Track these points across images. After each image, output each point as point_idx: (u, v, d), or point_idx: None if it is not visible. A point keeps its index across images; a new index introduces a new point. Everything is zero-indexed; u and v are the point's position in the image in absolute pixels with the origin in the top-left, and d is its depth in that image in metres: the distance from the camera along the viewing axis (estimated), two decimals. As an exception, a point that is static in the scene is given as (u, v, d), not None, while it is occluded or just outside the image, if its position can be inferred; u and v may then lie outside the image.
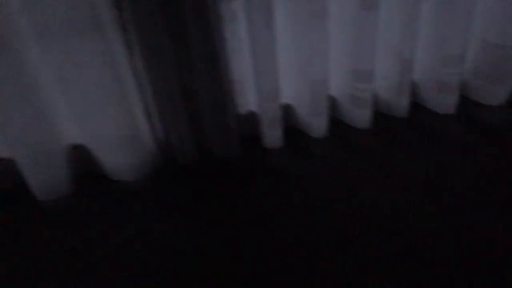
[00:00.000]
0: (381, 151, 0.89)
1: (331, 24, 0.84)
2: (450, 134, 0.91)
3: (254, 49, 0.79)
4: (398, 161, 0.87)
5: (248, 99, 0.90)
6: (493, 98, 0.95)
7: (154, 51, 0.75)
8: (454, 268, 0.66)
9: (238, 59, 0.84)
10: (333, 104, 0.95)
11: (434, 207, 0.76)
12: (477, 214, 0.74)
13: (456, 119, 0.94)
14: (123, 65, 0.76)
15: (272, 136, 0.90)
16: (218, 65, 0.79)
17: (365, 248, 0.70)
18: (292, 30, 0.82)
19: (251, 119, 0.92)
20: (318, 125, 0.92)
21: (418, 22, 0.84)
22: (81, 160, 0.87)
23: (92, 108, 0.78)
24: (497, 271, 0.64)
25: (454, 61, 0.88)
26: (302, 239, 0.74)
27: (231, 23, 0.80)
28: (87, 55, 0.72)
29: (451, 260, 0.67)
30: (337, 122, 0.96)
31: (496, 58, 0.90)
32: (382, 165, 0.86)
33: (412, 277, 0.65)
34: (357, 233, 0.73)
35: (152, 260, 0.72)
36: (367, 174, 0.85)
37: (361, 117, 0.93)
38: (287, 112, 0.94)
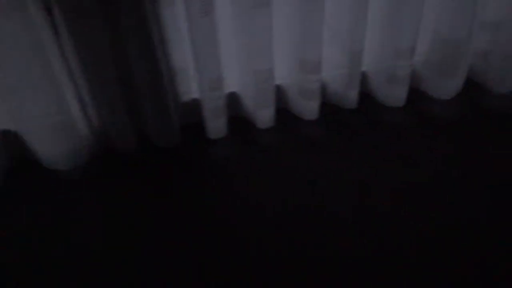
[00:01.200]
0: (327, 143, 0.88)
1: (276, 13, 0.80)
2: (397, 127, 0.90)
3: (193, 37, 0.75)
4: (344, 152, 0.85)
5: (191, 87, 0.86)
6: (444, 92, 0.93)
7: (84, 34, 0.71)
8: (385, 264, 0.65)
9: (179, 46, 0.80)
10: (280, 95, 0.92)
11: (373, 200, 0.75)
12: (416, 209, 0.73)
13: (405, 111, 0.93)
14: (51, 48, 0.71)
15: (215, 125, 0.87)
16: (154, 51, 0.75)
17: (302, 237, 0.69)
18: (235, 19, 0.78)
19: (195, 108, 0.88)
20: (264, 116, 0.89)
21: (368, 13, 0.81)
22: (14, 146, 0.83)
23: (19, 93, 0.74)
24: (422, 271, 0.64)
25: (405, 53, 0.86)
26: (242, 228, 0.72)
27: (169, 9, 0.76)
28: (8, 36, 0.67)
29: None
30: (285, 112, 0.94)
31: (447, 52, 0.88)
32: (328, 156, 0.85)
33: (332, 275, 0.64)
34: (298, 222, 0.72)
35: (84, 254, 0.70)
36: (312, 165, 0.83)
37: (309, 108, 0.90)
38: (233, 101, 0.91)
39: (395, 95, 0.92)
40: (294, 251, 0.69)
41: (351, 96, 0.91)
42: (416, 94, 0.96)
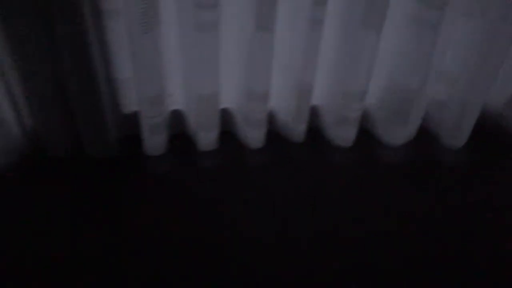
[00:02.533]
0: (264, 173, 0.86)
1: (225, 38, 0.78)
2: (339, 166, 0.88)
3: (134, 52, 0.73)
4: (279, 184, 0.83)
5: (133, 99, 0.84)
6: (394, 138, 0.91)
7: (18, 33, 0.69)
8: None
9: (123, 58, 0.79)
10: (227, 118, 0.90)
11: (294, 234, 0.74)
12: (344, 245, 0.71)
13: (351, 152, 0.91)
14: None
15: (154, 142, 0.84)
16: (90, 61, 0.73)
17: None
18: (182, 38, 0.76)
19: (136, 121, 0.86)
20: (206, 138, 0.87)
21: (320, 50, 0.79)
22: None
23: None
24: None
25: (356, 96, 0.83)
26: (163, 247, 0.71)
27: (113, 21, 0.74)
28: None
29: None
30: (231, 136, 0.92)
31: (399, 99, 0.86)
32: (261, 185, 0.83)
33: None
34: (222, 242, 0.72)
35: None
36: (245, 193, 0.81)
37: (254, 136, 0.88)
38: (176, 119, 0.89)
39: (343, 135, 0.90)
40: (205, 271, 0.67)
41: (299, 130, 0.89)
42: (366, 136, 0.94)
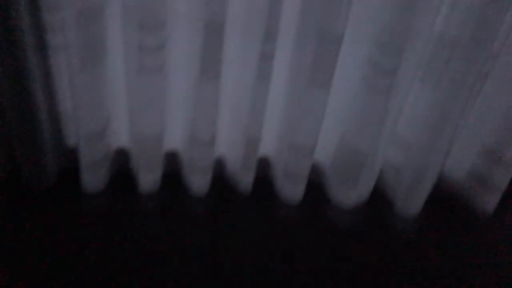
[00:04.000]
0: (202, 221, 0.82)
1: (172, 80, 0.76)
2: (282, 222, 0.84)
3: (74, 86, 0.71)
4: (216, 235, 0.80)
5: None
6: (343, 200, 0.88)
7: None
8: None
9: (67, 92, 0.77)
10: (172, 161, 0.88)
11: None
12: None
13: (298, 209, 0.87)
14: None
15: (92, 179, 0.82)
16: (29, 93, 0.71)
17: None
18: (127, 77, 0.74)
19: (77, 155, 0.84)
20: (148, 179, 0.84)
21: (268, 100, 0.77)
22: None
23: None
24: None
25: (304, 151, 0.81)
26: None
27: (55, 57, 0.73)
28: None
29: None
30: (175, 180, 0.89)
31: (350, 161, 0.83)
32: (195, 233, 0.80)
33: None
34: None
35: None
36: (179, 239, 0.78)
37: (197, 182, 0.85)
38: (121, 156, 0.86)
39: (290, 190, 0.86)
40: None
41: (246, 181, 0.86)
42: (318, 194, 0.90)
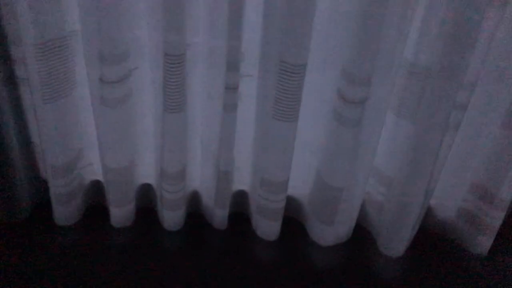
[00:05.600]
0: (173, 256, 0.80)
1: (137, 112, 0.75)
2: (254, 260, 0.80)
3: (38, 120, 0.72)
4: (184, 271, 0.77)
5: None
6: (321, 238, 0.83)
7: None
8: None
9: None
10: (145, 195, 0.86)
11: None
12: None
13: (275, 246, 0.83)
14: None
15: (62, 211, 0.81)
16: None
17: None
18: (93, 110, 0.74)
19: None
20: (119, 213, 0.82)
21: (236, 133, 0.74)
22: None
23: None
24: None
25: (275, 187, 0.77)
26: None
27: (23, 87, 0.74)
28: None
29: None
30: (151, 215, 0.87)
31: (326, 197, 0.78)
32: (166, 269, 0.77)
33: None
34: None
35: None
36: (142, 274, 0.76)
37: (172, 218, 0.83)
38: (96, 189, 0.85)
39: (266, 227, 0.83)
40: None
41: (220, 215, 0.83)
42: (294, 230, 0.86)
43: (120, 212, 0.82)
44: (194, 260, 0.80)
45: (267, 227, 0.83)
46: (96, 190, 0.86)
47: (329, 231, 0.82)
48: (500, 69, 0.70)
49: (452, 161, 0.80)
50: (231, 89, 0.69)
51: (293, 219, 0.87)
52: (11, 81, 0.73)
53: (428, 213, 0.85)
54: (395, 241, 0.81)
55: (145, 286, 0.75)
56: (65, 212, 0.81)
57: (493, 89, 0.72)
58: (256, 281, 0.77)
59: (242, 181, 0.85)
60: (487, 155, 0.77)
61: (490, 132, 0.75)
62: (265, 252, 0.82)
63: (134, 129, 0.76)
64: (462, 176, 0.81)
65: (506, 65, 0.70)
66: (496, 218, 0.79)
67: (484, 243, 0.82)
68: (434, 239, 0.86)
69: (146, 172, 0.83)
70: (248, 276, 0.78)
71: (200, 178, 0.83)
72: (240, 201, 0.87)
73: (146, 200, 0.87)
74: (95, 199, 0.86)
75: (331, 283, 0.78)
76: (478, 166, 0.78)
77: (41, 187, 0.84)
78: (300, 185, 0.83)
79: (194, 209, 0.87)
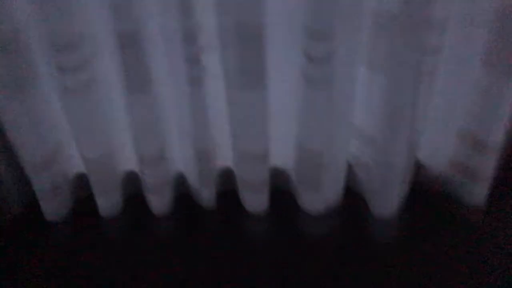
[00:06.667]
0: (164, 240, 0.79)
1: (101, 101, 0.74)
2: (247, 235, 0.79)
3: (6, 115, 0.71)
4: (180, 253, 0.77)
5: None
6: (311, 206, 0.81)
7: None
8: None
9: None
10: (132, 183, 0.85)
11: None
12: None
13: (266, 219, 0.81)
14: None
15: (49, 206, 0.81)
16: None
17: None
18: (61, 100, 0.73)
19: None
20: (107, 203, 0.82)
21: (207, 109, 0.73)
22: None
23: None
24: None
25: (256, 158, 0.75)
26: None
27: None
28: None
29: None
30: (140, 201, 0.86)
31: (309, 164, 0.76)
32: (157, 254, 0.77)
33: None
34: None
35: None
36: (139, 264, 0.76)
37: (159, 202, 0.82)
38: (78, 183, 0.85)
39: (254, 201, 0.81)
40: None
41: (207, 195, 0.82)
42: (283, 202, 0.84)
43: (107, 202, 0.82)
44: (187, 242, 0.79)
45: (254, 200, 0.81)
46: (83, 182, 0.86)
47: (317, 197, 0.79)
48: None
49: (437, 113, 0.77)
50: (192, 62, 0.68)
51: (283, 191, 0.86)
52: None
53: (420, 169, 0.82)
54: (386, 200, 0.78)
55: (140, 273, 0.74)
56: (52, 206, 0.82)
57: (469, 31, 0.69)
58: (250, 255, 0.76)
59: (226, 158, 0.83)
60: (471, 100, 0.73)
61: (471, 73, 0.71)
62: (257, 226, 0.81)
63: (105, 116, 0.75)
64: (449, 126, 0.77)
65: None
66: (489, 165, 0.75)
67: (480, 192, 0.78)
68: (428, 196, 0.83)
69: (129, 160, 0.83)
70: (242, 251, 0.77)
71: (181, 159, 0.82)
72: (227, 178, 0.85)
73: (134, 187, 0.86)
74: (84, 191, 0.86)
75: (326, 251, 0.76)
76: (464, 113, 0.75)
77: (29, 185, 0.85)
78: (284, 155, 0.81)
79: (182, 191, 0.87)
